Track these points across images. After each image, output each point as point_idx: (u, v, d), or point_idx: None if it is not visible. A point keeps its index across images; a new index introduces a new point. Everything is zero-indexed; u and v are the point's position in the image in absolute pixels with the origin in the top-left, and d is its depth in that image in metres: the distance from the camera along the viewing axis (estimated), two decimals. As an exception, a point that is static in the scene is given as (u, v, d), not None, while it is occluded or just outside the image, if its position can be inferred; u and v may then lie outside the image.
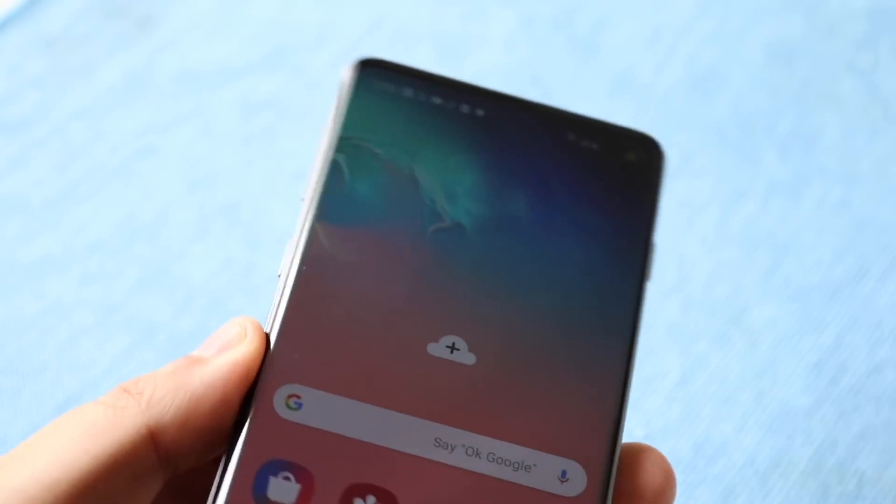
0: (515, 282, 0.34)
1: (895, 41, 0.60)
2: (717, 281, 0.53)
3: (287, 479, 0.30)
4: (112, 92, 0.59)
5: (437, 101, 0.36)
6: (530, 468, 0.31)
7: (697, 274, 0.53)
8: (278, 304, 0.34)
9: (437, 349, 0.33)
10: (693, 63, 0.60)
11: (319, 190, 0.35)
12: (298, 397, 0.32)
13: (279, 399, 0.32)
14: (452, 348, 0.33)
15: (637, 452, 0.33)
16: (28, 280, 0.53)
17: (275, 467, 0.30)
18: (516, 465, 0.31)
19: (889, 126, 0.57)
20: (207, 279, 0.53)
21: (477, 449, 0.31)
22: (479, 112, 0.37)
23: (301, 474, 0.30)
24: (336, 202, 0.35)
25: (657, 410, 0.49)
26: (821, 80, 0.59)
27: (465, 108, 0.37)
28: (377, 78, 0.37)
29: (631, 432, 0.49)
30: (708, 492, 0.47)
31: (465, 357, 0.32)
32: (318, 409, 0.32)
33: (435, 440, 0.31)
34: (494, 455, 0.31)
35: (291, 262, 0.34)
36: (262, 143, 0.58)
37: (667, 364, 0.50)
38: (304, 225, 0.35)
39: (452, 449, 0.31)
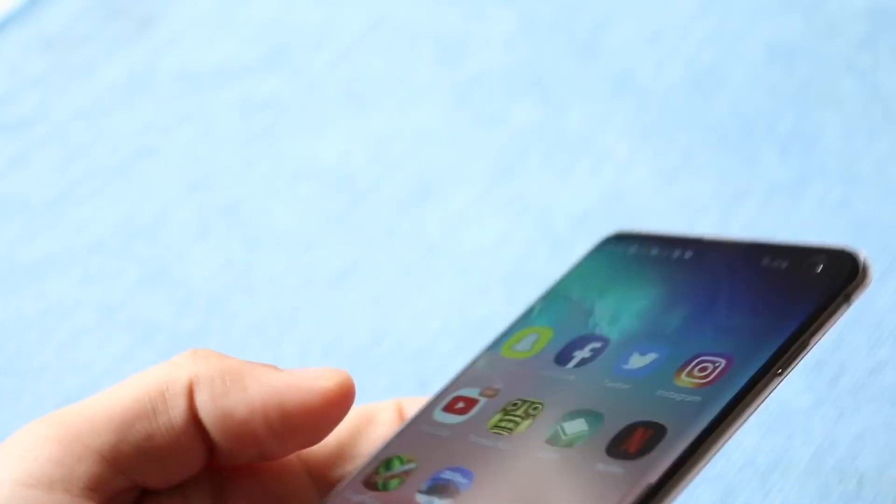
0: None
1: (895, 41, 0.60)
2: (717, 281, 0.53)
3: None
4: (112, 92, 0.59)
5: (653, 252, 0.39)
6: None
7: (697, 274, 0.53)
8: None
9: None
10: (693, 63, 0.60)
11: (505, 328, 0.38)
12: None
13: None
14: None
15: None
16: (28, 280, 0.53)
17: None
18: None
19: (889, 126, 0.57)
20: (207, 279, 0.53)
21: None
22: (687, 255, 0.38)
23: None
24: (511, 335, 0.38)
25: (657, 410, 0.49)
26: (821, 80, 0.59)
27: (675, 255, 0.38)
28: (612, 243, 0.40)
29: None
30: (708, 492, 0.47)
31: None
32: None
33: None
34: None
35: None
36: (262, 143, 0.58)
37: (667, 364, 0.50)
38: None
39: None
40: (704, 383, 0.33)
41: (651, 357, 0.34)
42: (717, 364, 0.34)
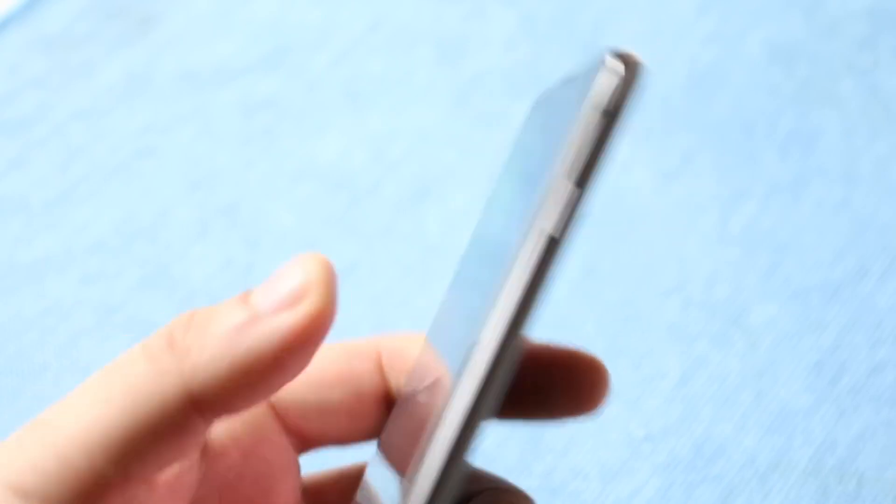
0: None
1: (895, 41, 0.60)
2: (717, 281, 0.53)
3: None
4: (112, 92, 0.59)
5: None
6: None
7: (697, 274, 0.53)
8: None
9: None
10: (693, 63, 0.60)
11: None
12: None
13: None
14: None
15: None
16: (28, 280, 0.53)
17: None
18: None
19: (889, 126, 0.57)
20: (207, 279, 0.53)
21: None
22: None
23: None
24: None
25: (657, 410, 0.49)
26: (821, 80, 0.59)
27: None
28: None
29: (631, 433, 0.49)
30: (708, 492, 0.47)
31: None
32: None
33: None
34: None
35: None
36: (262, 143, 0.58)
37: (667, 364, 0.50)
38: None
39: None
40: None
41: None
42: None
